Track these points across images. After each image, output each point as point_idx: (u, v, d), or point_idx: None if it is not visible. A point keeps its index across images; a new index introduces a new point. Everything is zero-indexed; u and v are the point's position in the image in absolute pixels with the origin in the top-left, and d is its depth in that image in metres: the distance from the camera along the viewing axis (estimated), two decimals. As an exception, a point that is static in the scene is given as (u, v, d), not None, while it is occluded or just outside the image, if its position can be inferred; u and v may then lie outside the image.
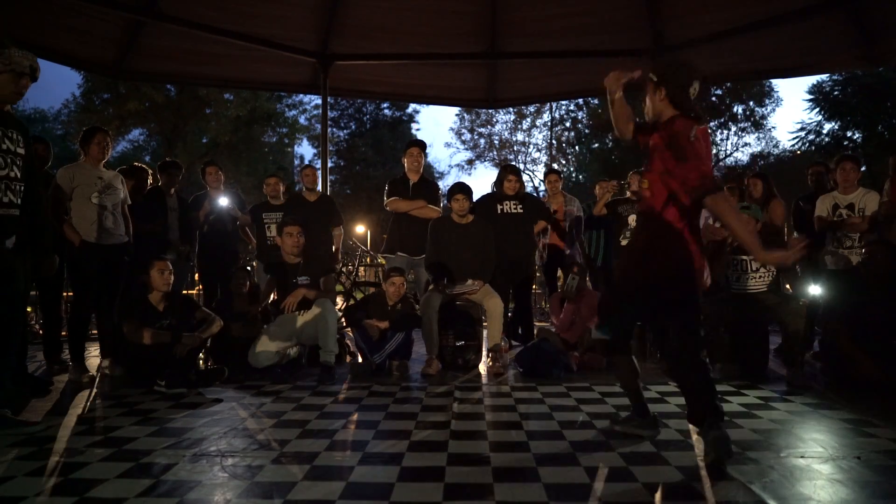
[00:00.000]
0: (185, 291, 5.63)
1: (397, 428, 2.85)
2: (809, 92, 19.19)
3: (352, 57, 7.53)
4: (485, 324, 4.83)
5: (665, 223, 2.36)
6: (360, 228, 20.97)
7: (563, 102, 25.33)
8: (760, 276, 4.09)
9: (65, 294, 5.32)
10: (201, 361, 4.42)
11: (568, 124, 26.53)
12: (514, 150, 27.35)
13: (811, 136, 19.73)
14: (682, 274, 2.35)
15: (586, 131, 25.82)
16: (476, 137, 27.96)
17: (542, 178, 22.46)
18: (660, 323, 2.58)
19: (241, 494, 2.02)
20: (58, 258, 3.30)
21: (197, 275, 6.72)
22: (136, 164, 5.26)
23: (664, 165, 2.35)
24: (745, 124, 23.99)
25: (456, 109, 27.96)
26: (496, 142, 27.69)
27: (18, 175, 2.95)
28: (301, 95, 22.89)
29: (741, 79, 16.14)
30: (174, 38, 6.98)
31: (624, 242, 4.93)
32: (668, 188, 2.35)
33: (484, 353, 4.67)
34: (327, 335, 4.17)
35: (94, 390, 3.77)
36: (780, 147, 24.17)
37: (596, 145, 25.81)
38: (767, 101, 23.81)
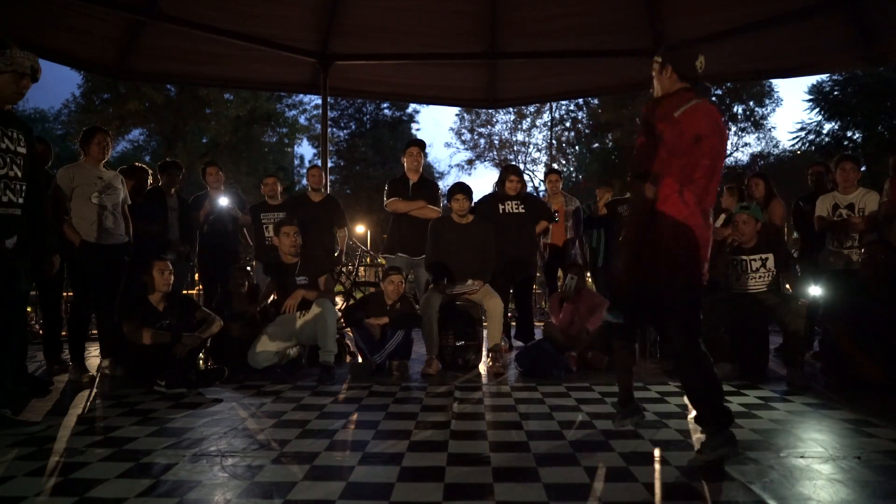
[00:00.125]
0: (185, 291, 5.63)
1: (397, 428, 2.85)
2: (809, 92, 19.19)
3: (352, 57, 7.53)
4: (485, 324, 4.83)
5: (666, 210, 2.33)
6: (360, 228, 20.97)
7: (563, 102, 25.33)
8: (760, 276, 4.09)
9: (65, 294, 5.32)
10: (201, 361, 4.42)
11: (568, 124, 26.54)
12: (514, 150, 27.37)
13: (811, 136, 19.73)
14: (684, 261, 2.30)
15: (586, 131, 25.82)
16: (476, 137, 27.99)
17: (542, 178, 22.51)
18: (662, 319, 2.51)
19: (241, 494, 2.02)
20: (58, 258, 3.29)
21: (197, 275, 6.72)
22: (136, 164, 5.26)
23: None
24: (745, 124, 23.99)
25: (456, 109, 28.00)
26: (496, 142, 27.71)
27: (19, 174, 2.94)
28: (301, 95, 22.92)
29: (741, 79, 16.14)
30: (174, 38, 6.98)
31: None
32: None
33: (484, 353, 4.67)
34: (326, 335, 4.17)
35: (94, 390, 3.77)
36: (780, 147, 24.19)
37: (596, 145, 25.80)
38: (767, 101, 23.83)
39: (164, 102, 19.60)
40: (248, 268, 5.37)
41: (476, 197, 4.91)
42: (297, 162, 30.05)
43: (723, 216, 4.96)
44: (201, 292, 6.30)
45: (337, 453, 2.46)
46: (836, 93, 18.80)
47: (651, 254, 2.36)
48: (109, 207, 4.21)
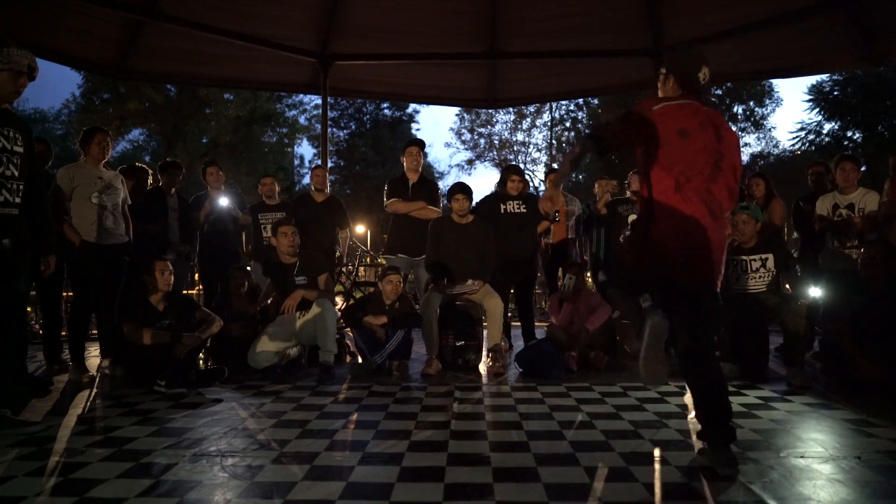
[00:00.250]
0: (185, 291, 5.63)
1: (397, 428, 2.85)
2: (809, 92, 19.18)
3: (352, 57, 7.54)
4: (485, 324, 4.83)
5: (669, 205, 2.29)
6: (360, 228, 20.97)
7: (563, 102, 25.34)
8: (760, 277, 4.09)
9: (65, 294, 5.32)
10: (201, 361, 4.42)
11: (568, 124, 26.54)
12: (514, 150, 27.36)
13: (811, 136, 19.72)
14: (684, 260, 2.24)
15: (586, 131, 25.81)
16: (476, 137, 27.98)
17: (542, 178, 22.51)
18: (677, 315, 2.34)
19: (241, 494, 2.02)
20: (55, 258, 3.26)
21: (197, 275, 6.71)
22: (136, 164, 5.26)
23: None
24: (745, 124, 24.00)
25: (456, 109, 27.99)
26: (496, 142, 27.70)
27: (16, 174, 2.92)
28: (301, 95, 22.92)
29: (741, 79, 16.15)
30: (174, 38, 6.99)
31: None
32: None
33: (484, 353, 4.67)
34: (326, 335, 4.17)
35: (94, 390, 3.77)
36: (780, 147, 24.20)
37: (596, 145, 25.75)
38: (767, 101, 23.85)
39: (164, 102, 19.61)
40: (248, 267, 5.35)
41: (476, 197, 4.91)
42: (297, 162, 30.09)
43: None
44: (201, 292, 6.29)
45: (337, 453, 2.46)
46: (836, 93, 18.80)
47: (652, 255, 2.30)
48: (109, 207, 4.21)
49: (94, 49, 7.07)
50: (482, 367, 4.49)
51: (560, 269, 5.21)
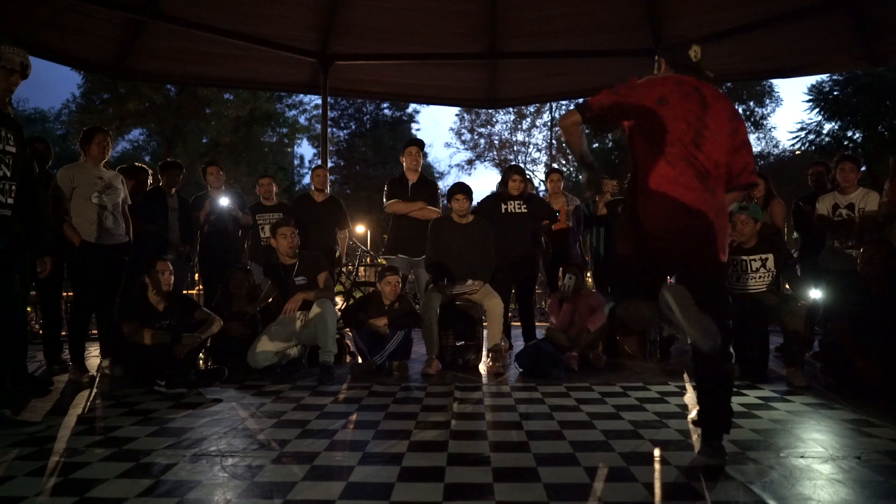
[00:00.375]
0: (185, 291, 5.63)
1: (397, 428, 2.85)
2: (809, 92, 19.15)
3: (352, 57, 7.53)
4: (485, 324, 4.83)
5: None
6: (360, 228, 20.98)
7: (563, 102, 25.25)
8: (760, 277, 4.09)
9: (65, 294, 5.32)
10: (201, 361, 4.42)
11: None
12: (514, 150, 27.38)
13: (811, 136, 19.70)
14: (704, 250, 2.19)
15: (587, 131, 25.82)
16: (476, 137, 27.99)
17: (542, 178, 22.48)
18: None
19: (241, 494, 2.02)
20: (50, 259, 3.22)
21: (197, 275, 6.71)
22: (136, 164, 5.26)
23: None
24: (746, 124, 23.98)
25: (456, 109, 28.00)
26: (496, 142, 27.71)
27: (8, 174, 2.88)
28: (301, 95, 22.94)
29: (741, 79, 16.13)
30: (174, 38, 6.99)
31: None
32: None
33: (484, 353, 4.67)
34: (327, 335, 4.17)
35: (94, 390, 3.77)
36: (780, 147, 24.20)
37: (596, 145, 25.79)
38: (767, 101, 23.86)
39: (164, 102, 19.62)
40: (249, 268, 5.34)
41: (476, 197, 4.91)
42: (296, 162, 30.10)
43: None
44: (201, 292, 6.29)
45: (337, 453, 2.46)
46: (836, 93, 18.78)
47: (645, 227, 2.24)
48: (109, 207, 4.21)
49: (94, 49, 7.07)
50: (482, 367, 4.49)
51: (560, 269, 5.21)
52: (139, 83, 17.24)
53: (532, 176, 25.33)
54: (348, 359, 4.88)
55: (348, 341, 4.98)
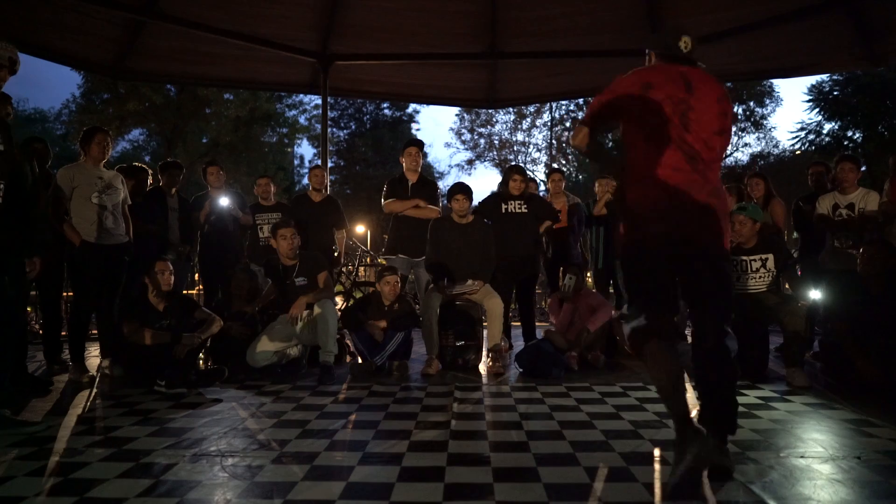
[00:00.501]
0: (185, 291, 5.63)
1: (397, 428, 2.85)
2: (809, 92, 19.18)
3: (352, 57, 7.53)
4: (485, 324, 4.83)
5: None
6: (360, 228, 20.98)
7: (563, 102, 25.37)
8: (760, 277, 4.10)
9: (65, 294, 5.32)
10: (201, 361, 4.42)
11: (568, 124, 26.55)
12: (514, 150, 27.39)
13: (811, 136, 19.72)
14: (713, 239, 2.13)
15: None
16: (476, 137, 28.02)
17: (542, 178, 22.51)
18: (694, 308, 2.22)
19: (241, 494, 2.02)
20: (39, 260, 3.16)
21: (197, 275, 6.71)
22: (135, 164, 5.26)
23: None
24: (745, 124, 24.02)
25: (456, 109, 28.04)
26: (496, 142, 27.74)
27: None
28: (301, 95, 22.94)
29: (741, 79, 16.13)
30: (174, 38, 6.99)
31: None
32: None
33: (484, 353, 4.67)
34: (327, 335, 4.17)
35: (94, 390, 3.77)
36: (780, 147, 24.22)
37: (595, 145, 25.80)
38: (767, 101, 23.88)
39: (163, 102, 19.62)
40: (255, 269, 5.33)
41: (477, 197, 4.91)
42: (297, 162, 30.11)
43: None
44: (201, 292, 6.29)
45: (337, 453, 2.46)
46: (836, 93, 18.80)
47: (637, 215, 2.19)
48: (109, 207, 4.21)
49: (94, 49, 7.07)
50: (482, 367, 4.49)
51: (560, 269, 5.22)
52: (139, 83, 17.24)
53: (533, 176, 25.37)
54: (348, 359, 4.88)
55: (348, 341, 4.98)
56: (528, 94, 9.61)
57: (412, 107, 30.82)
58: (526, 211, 5.05)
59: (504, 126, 27.39)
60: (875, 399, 3.36)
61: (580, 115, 25.80)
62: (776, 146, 24.34)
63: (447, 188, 4.83)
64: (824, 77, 18.69)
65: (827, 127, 19.45)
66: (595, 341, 4.51)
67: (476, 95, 8.93)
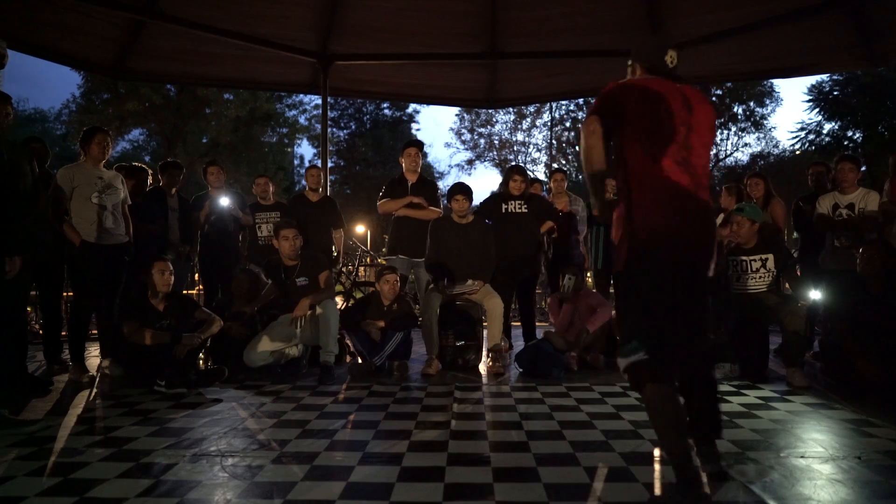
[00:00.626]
0: (185, 291, 5.63)
1: (397, 428, 2.85)
2: (809, 92, 19.18)
3: (352, 57, 7.53)
4: (485, 324, 4.83)
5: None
6: (360, 228, 20.98)
7: (563, 102, 25.34)
8: (761, 277, 4.10)
9: (65, 294, 5.32)
10: (201, 361, 4.42)
11: (568, 124, 26.55)
12: (514, 150, 27.39)
13: (811, 136, 19.72)
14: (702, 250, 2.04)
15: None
16: (476, 137, 28.01)
17: (542, 177, 22.49)
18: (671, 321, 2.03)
19: (241, 494, 2.03)
20: (20, 259, 3.13)
21: (197, 275, 6.71)
22: (134, 164, 5.26)
23: None
24: (745, 124, 24.02)
25: (456, 109, 28.04)
26: (496, 142, 27.73)
27: None
28: (301, 95, 22.94)
29: (741, 79, 16.14)
30: (174, 38, 6.99)
31: None
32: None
33: (484, 353, 4.67)
34: (328, 335, 4.17)
35: (94, 390, 3.77)
36: (780, 147, 24.22)
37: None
38: (767, 101, 23.86)
39: (163, 102, 19.62)
40: (256, 269, 5.32)
41: (477, 198, 4.91)
42: (297, 162, 30.11)
43: (721, 216, 4.96)
44: (201, 292, 6.30)
45: (337, 453, 2.46)
46: (836, 93, 18.80)
47: (640, 234, 2.03)
48: (109, 207, 4.21)
49: (94, 49, 7.07)
50: (482, 367, 4.49)
51: (560, 269, 5.22)
52: (139, 83, 17.25)
53: (534, 176, 25.36)
54: (348, 359, 4.88)
55: (348, 341, 4.98)
56: (528, 94, 9.60)
57: (412, 107, 30.86)
58: (526, 211, 5.05)
59: (504, 126, 27.41)
60: (875, 399, 3.36)
61: (580, 114, 25.81)
62: (776, 146, 24.36)
63: (447, 188, 4.83)
64: (824, 77, 18.71)
65: (827, 127, 19.47)
66: (595, 342, 4.51)
67: (476, 95, 8.93)
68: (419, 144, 5.35)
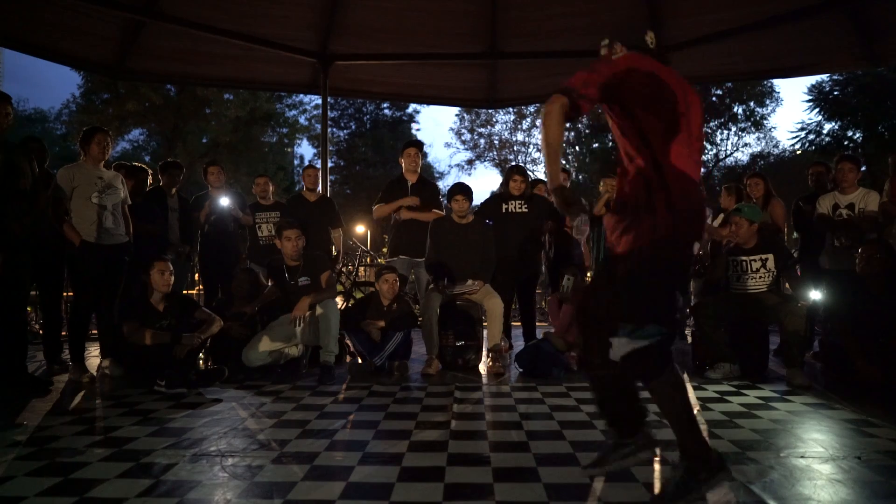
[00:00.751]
0: (185, 291, 5.63)
1: (397, 428, 2.85)
2: (809, 92, 19.17)
3: (352, 57, 7.53)
4: (485, 324, 4.83)
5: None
6: (360, 228, 20.96)
7: (563, 102, 25.28)
8: (761, 277, 4.10)
9: (65, 294, 5.32)
10: (201, 361, 4.42)
11: (568, 124, 26.52)
12: (514, 150, 27.38)
13: (811, 136, 19.71)
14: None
15: (586, 131, 25.83)
16: (476, 137, 28.00)
17: (542, 177, 22.47)
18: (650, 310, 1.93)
19: (241, 494, 2.02)
20: (1, 257, 3.13)
21: (197, 275, 6.71)
22: (134, 164, 5.26)
23: None
24: (745, 124, 24.00)
25: (456, 109, 28.02)
26: (496, 142, 27.72)
27: None
28: (301, 95, 22.92)
29: (741, 79, 16.14)
30: (174, 38, 6.98)
31: None
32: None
33: (484, 353, 4.67)
34: (329, 335, 4.17)
35: (95, 390, 3.77)
36: (780, 147, 24.21)
37: (596, 145, 25.81)
38: (767, 101, 23.84)
39: (163, 102, 19.61)
40: (256, 269, 5.33)
41: (477, 198, 4.91)
42: (296, 162, 30.11)
43: (721, 216, 4.96)
44: (201, 292, 6.30)
45: (337, 453, 2.46)
46: (836, 93, 18.79)
47: (674, 234, 1.89)
48: (109, 207, 4.21)
49: (94, 49, 7.07)
50: (482, 367, 4.49)
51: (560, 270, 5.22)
52: (139, 83, 17.23)
53: (535, 176, 25.35)
54: (348, 359, 4.88)
55: (348, 341, 4.98)
56: (528, 94, 9.59)
57: (412, 107, 30.85)
58: (527, 211, 5.05)
59: (504, 126, 27.40)
60: (875, 399, 3.36)
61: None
62: (776, 146, 24.34)
63: (447, 188, 4.83)
64: (824, 77, 18.70)
65: (827, 127, 19.45)
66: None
67: (476, 95, 8.93)
68: (419, 145, 5.35)
